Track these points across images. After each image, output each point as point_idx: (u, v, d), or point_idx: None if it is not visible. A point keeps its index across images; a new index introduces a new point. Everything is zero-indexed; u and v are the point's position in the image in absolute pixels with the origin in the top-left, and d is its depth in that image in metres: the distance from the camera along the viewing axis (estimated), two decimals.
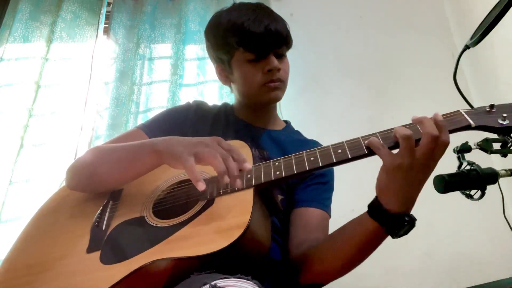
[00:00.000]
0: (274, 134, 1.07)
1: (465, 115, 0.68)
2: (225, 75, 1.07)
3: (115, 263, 0.69)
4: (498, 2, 0.83)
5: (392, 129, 0.69)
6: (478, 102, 0.71)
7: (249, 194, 0.72)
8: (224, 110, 1.11)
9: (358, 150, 0.70)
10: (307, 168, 0.73)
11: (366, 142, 0.70)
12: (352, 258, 0.77)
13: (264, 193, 0.77)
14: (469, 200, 0.75)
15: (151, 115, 1.72)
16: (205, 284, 0.51)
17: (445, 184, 0.72)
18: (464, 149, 0.75)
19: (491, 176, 0.72)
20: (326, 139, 0.79)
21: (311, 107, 1.91)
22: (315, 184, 0.98)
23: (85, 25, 1.85)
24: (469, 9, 1.98)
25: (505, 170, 0.74)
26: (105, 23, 1.92)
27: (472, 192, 0.74)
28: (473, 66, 1.91)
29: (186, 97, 1.76)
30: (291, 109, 1.81)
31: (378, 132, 0.71)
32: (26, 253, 0.81)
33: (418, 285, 1.64)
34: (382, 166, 0.68)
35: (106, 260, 0.71)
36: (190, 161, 0.70)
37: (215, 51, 1.05)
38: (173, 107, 1.21)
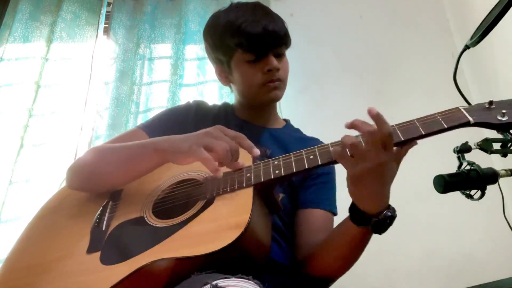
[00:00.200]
0: (275, 133, 1.07)
1: (464, 112, 0.68)
2: (225, 76, 1.07)
3: (116, 264, 0.69)
4: (498, 2, 0.83)
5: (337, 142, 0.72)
6: (478, 102, 0.71)
7: (248, 193, 0.72)
8: (224, 110, 1.12)
9: None
10: (307, 167, 0.73)
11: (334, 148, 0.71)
12: (347, 258, 0.82)
13: (264, 192, 0.77)
14: (469, 200, 0.75)
15: (151, 115, 1.72)
16: (206, 284, 0.51)
17: (445, 184, 0.72)
18: (464, 149, 0.75)
19: (491, 176, 0.72)
20: (326, 139, 0.79)
21: (311, 107, 1.90)
22: (318, 184, 0.99)
23: (85, 25, 1.85)
24: (469, 9, 1.98)
25: (505, 170, 0.74)
26: (105, 23, 1.92)
27: (472, 192, 0.74)
28: (473, 66, 1.91)
29: (186, 97, 1.76)
30: (291, 109, 1.81)
31: (331, 143, 0.73)
32: (26, 254, 0.81)
33: (418, 285, 1.64)
34: (346, 175, 0.70)
35: (106, 260, 0.71)
36: (203, 153, 0.72)
37: (214, 52, 1.05)
38: (173, 106, 1.21)
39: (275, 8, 1.95)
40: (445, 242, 1.70)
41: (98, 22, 1.88)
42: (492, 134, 0.74)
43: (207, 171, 0.81)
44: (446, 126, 0.67)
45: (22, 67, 1.69)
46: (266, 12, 1.01)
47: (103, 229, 0.79)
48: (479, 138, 0.73)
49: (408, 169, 1.46)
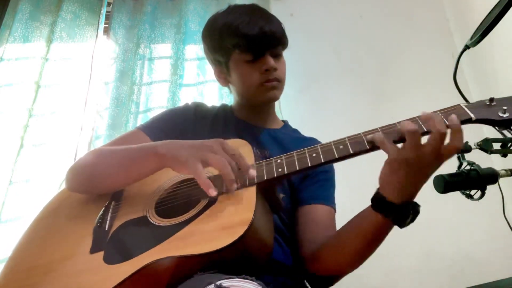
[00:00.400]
0: (274, 133, 1.08)
1: (466, 109, 0.68)
2: (223, 77, 1.08)
3: (119, 263, 0.69)
4: (498, 2, 0.83)
5: (394, 124, 0.70)
6: None
7: (252, 192, 0.72)
8: (223, 111, 1.12)
9: (360, 146, 0.71)
10: (309, 165, 0.73)
11: (368, 137, 0.70)
12: (362, 252, 0.79)
13: (266, 191, 0.77)
14: (469, 200, 0.75)
15: (151, 115, 1.72)
16: (209, 284, 0.51)
17: (445, 184, 0.72)
18: (464, 149, 0.75)
19: (491, 176, 0.72)
20: (326, 139, 0.79)
21: (311, 107, 1.90)
22: (319, 182, 1.00)
23: (85, 25, 1.85)
24: (469, 9, 1.98)
25: (505, 170, 0.74)
26: (105, 23, 1.92)
27: (472, 192, 0.74)
28: (473, 66, 1.91)
29: (186, 97, 1.76)
30: (291, 109, 1.81)
31: (380, 128, 0.72)
32: (28, 255, 0.81)
33: (418, 285, 1.64)
34: (386, 159, 0.69)
35: (110, 260, 0.71)
36: (198, 168, 0.71)
37: (212, 54, 1.07)
38: (172, 108, 1.21)
39: (275, 8, 1.96)
40: (445, 242, 1.70)
41: (98, 22, 1.88)
42: (492, 134, 0.74)
43: (210, 170, 0.82)
44: (448, 124, 0.66)
45: (22, 67, 1.69)
46: (263, 14, 1.03)
47: (106, 229, 0.79)
48: (479, 138, 0.73)
49: None
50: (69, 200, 0.91)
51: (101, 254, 0.73)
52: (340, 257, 0.82)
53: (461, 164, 0.75)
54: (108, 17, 1.91)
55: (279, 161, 0.77)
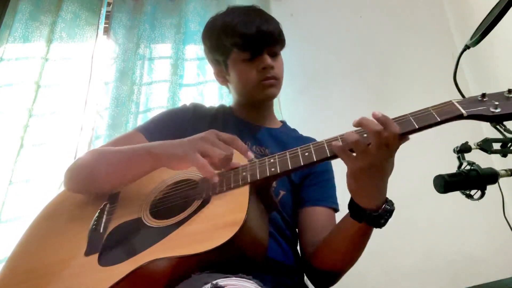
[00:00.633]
0: (274, 132, 1.09)
1: (457, 105, 0.68)
2: (222, 76, 1.11)
3: (113, 264, 0.69)
4: (498, 2, 0.83)
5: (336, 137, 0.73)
6: None
7: (244, 192, 0.73)
8: (222, 110, 1.14)
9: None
10: (302, 164, 0.74)
11: (332, 144, 0.72)
12: (350, 254, 0.84)
13: (260, 190, 0.77)
14: (469, 200, 0.75)
15: (151, 115, 1.72)
16: (206, 284, 0.52)
17: (445, 184, 0.72)
18: (464, 149, 0.75)
19: (491, 176, 0.72)
20: None
21: (311, 107, 1.90)
22: (321, 182, 1.01)
23: (85, 25, 1.85)
24: (469, 9, 1.98)
25: (505, 170, 0.74)
26: (105, 23, 1.92)
27: (472, 192, 0.74)
28: (473, 66, 1.91)
29: (186, 97, 1.76)
30: (291, 109, 1.81)
31: (340, 136, 0.73)
32: (26, 258, 0.82)
33: (418, 285, 1.64)
34: (347, 171, 0.72)
35: (104, 262, 0.72)
36: (199, 159, 0.73)
37: (211, 54, 1.09)
38: (170, 109, 1.23)
39: (275, 8, 1.96)
40: (445, 242, 1.70)
41: (98, 22, 1.88)
42: (492, 134, 0.74)
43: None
44: (439, 119, 0.67)
45: (22, 67, 1.68)
46: (261, 14, 1.06)
47: (101, 231, 0.80)
48: (479, 138, 0.73)
49: (408, 169, 1.47)
50: (68, 202, 0.92)
51: (95, 256, 0.73)
52: (334, 257, 0.86)
53: (461, 164, 0.75)
54: (108, 17, 1.91)
55: (272, 160, 0.77)
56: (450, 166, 0.76)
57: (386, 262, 1.63)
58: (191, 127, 1.05)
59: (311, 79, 1.96)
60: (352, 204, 0.76)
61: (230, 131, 1.03)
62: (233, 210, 0.70)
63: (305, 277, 0.96)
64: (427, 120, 0.67)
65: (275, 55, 1.04)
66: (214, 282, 0.51)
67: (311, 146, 0.75)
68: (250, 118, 1.10)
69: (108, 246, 0.76)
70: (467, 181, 0.72)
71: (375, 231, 0.79)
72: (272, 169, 0.75)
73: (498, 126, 0.70)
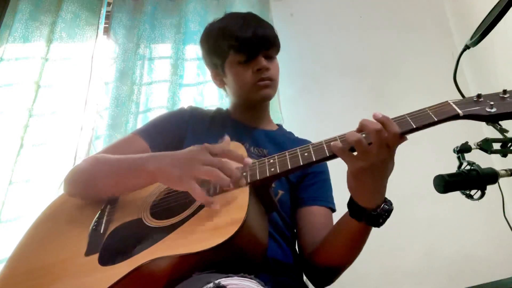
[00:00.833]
0: (271, 134, 1.11)
1: (453, 105, 0.69)
2: (220, 79, 1.13)
3: (114, 264, 0.69)
4: (498, 2, 0.83)
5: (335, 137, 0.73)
6: None
7: (244, 192, 0.73)
8: (220, 113, 1.16)
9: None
10: (301, 163, 0.74)
11: (332, 144, 0.72)
12: (350, 251, 0.85)
13: (260, 191, 0.78)
14: (469, 200, 0.75)
15: (151, 115, 1.72)
16: (208, 283, 0.52)
17: (445, 184, 0.72)
18: (464, 149, 0.75)
19: (491, 176, 0.72)
20: None
21: (311, 107, 1.90)
22: (318, 182, 1.03)
23: (85, 25, 1.85)
24: (469, 9, 1.98)
25: (505, 170, 0.74)
26: (105, 23, 1.92)
27: (472, 192, 0.74)
28: (473, 66, 1.91)
29: (186, 97, 1.77)
30: (291, 109, 1.81)
31: (339, 136, 0.73)
32: (26, 259, 0.82)
33: (418, 285, 1.64)
34: (347, 170, 0.73)
35: (105, 261, 0.72)
36: (195, 187, 0.71)
37: (209, 57, 1.13)
38: (167, 112, 1.24)
39: (275, 8, 1.96)
40: (445, 242, 1.70)
41: (98, 22, 1.88)
42: (492, 134, 0.74)
43: None
44: (436, 119, 0.68)
45: (22, 67, 1.68)
46: (257, 19, 1.09)
47: (101, 232, 0.80)
48: (479, 138, 0.73)
49: (408, 169, 1.47)
50: (68, 204, 0.93)
51: (95, 256, 0.74)
52: (334, 254, 0.86)
53: (461, 164, 0.75)
54: (108, 17, 1.91)
55: (271, 161, 0.78)
56: (450, 166, 0.76)
57: (386, 261, 1.63)
58: (190, 128, 1.07)
59: (311, 79, 1.96)
60: (351, 203, 0.77)
61: (229, 133, 1.04)
62: (233, 210, 0.70)
63: (304, 277, 0.96)
64: (424, 120, 0.69)
65: (270, 58, 1.07)
66: (217, 281, 0.51)
67: (310, 146, 0.76)
68: (247, 120, 1.12)
69: (109, 246, 0.76)
70: (467, 181, 0.72)
71: (376, 231, 0.79)
72: (272, 169, 0.76)
73: (497, 126, 0.70)
